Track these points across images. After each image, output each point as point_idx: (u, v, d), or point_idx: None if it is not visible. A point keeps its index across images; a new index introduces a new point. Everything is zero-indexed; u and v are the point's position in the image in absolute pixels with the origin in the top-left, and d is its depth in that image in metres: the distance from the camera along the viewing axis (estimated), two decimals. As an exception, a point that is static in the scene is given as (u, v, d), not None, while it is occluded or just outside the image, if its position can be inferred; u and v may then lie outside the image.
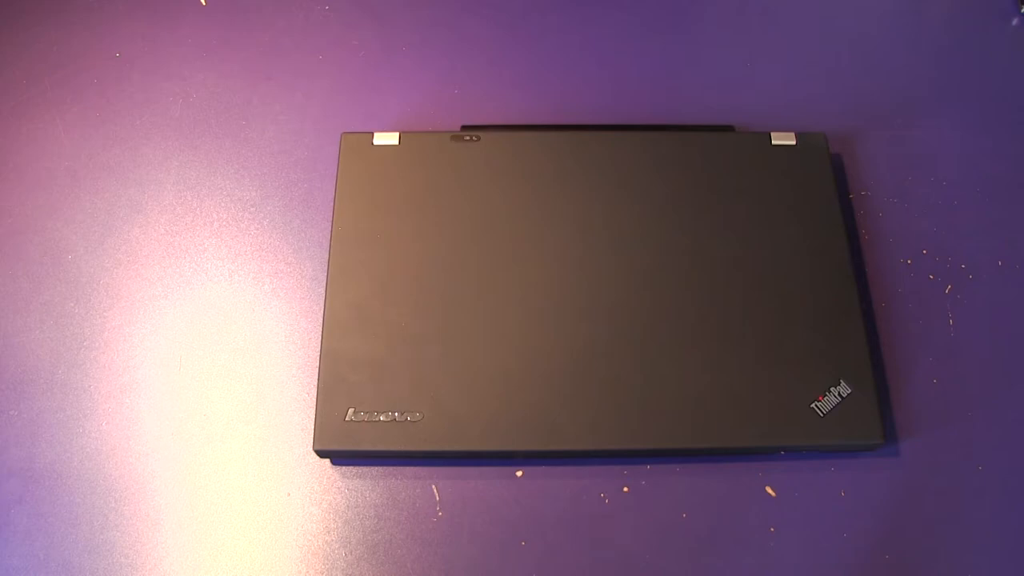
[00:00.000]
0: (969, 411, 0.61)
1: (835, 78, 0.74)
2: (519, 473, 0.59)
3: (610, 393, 0.58)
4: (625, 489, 0.58)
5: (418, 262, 0.62)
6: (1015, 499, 0.58)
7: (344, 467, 0.59)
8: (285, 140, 0.71)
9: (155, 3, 0.77)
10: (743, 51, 0.76)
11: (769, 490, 0.59)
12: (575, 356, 0.59)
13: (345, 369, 0.58)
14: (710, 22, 0.77)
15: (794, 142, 0.66)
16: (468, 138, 0.66)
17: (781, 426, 0.57)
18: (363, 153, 0.65)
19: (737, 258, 0.62)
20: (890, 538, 0.57)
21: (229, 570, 0.56)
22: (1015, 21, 0.77)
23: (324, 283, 0.61)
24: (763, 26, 0.77)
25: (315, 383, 0.59)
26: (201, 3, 0.77)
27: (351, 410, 0.57)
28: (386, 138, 0.66)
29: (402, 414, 0.57)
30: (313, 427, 0.57)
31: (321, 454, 0.58)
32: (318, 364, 0.59)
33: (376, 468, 0.59)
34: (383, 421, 0.57)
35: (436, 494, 0.58)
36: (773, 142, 0.66)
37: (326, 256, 0.64)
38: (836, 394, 0.58)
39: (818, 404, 0.57)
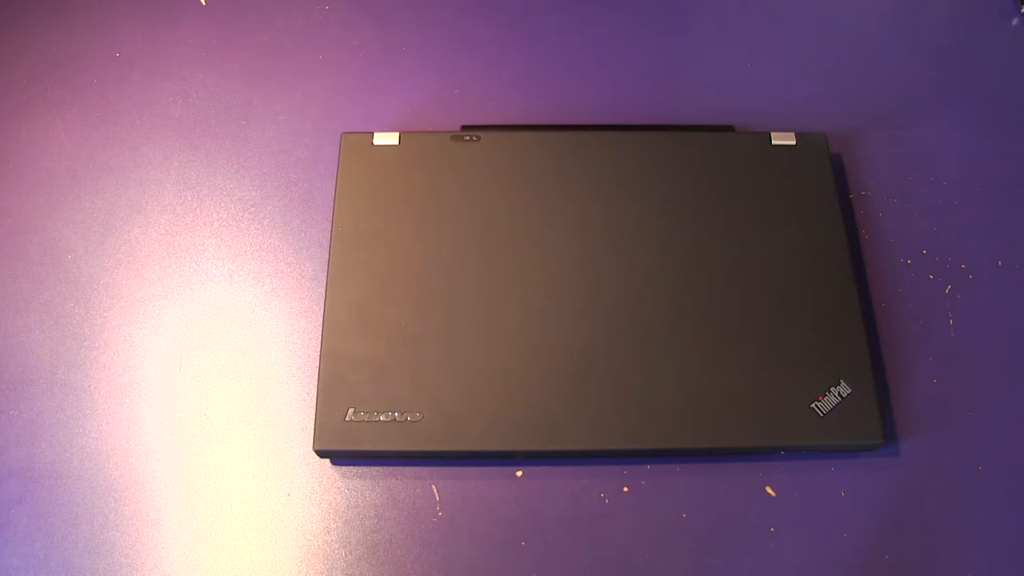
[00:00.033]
0: (969, 411, 0.61)
1: (835, 78, 0.74)
2: (519, 473, 0.59)
3: (610, 393, 0.58)
4: (625, 489, 0.58)
5: (418, 262, 0.62)
6: (1015, 499, 0.58)
7: (344, 467, 0.59)
8: (285, 140, 0.71)
9: (155, 3, 0.77)
10: (743, 51, 0.76)
11: (769, 490, 0.59)
12: (575, 356, 0.59)
13: (345, 369, 0.58)
14: (710, 22, 0.77)
15: (794, 142, 0.66)
16: (468, 138, 0.66)
17: (781, 426, 0.57)
18: (363, 153, 0.65)
19: (737, 258, 0.62)
20: (890, 538, 0.57)
21: (229, 570, 0.56)
22: (1015, 21, 0.77)
23: (324, 283, 0.61)
24: (763, 26, 0.77)
25: (315, 383, 0.59)
26: (201, 3, 0.77)
27: (351, 410, 0.57)
28: (386, 138, 0.66)
29: (402, 414, 0.57)
30: (313, 427, 0.57)
31: (321, 454, 0.58)
32: (318, 364, 0.59)
33: (376, 468, 0.59)
34: (383, 421, 0.57)
35: (436, 494, 0.58)
36: (773, 142, 0.66)
37: (326, 256, 0.64)
38: (836, 394, 0.58)
39: (818, 404, 0.57)
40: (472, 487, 0.58)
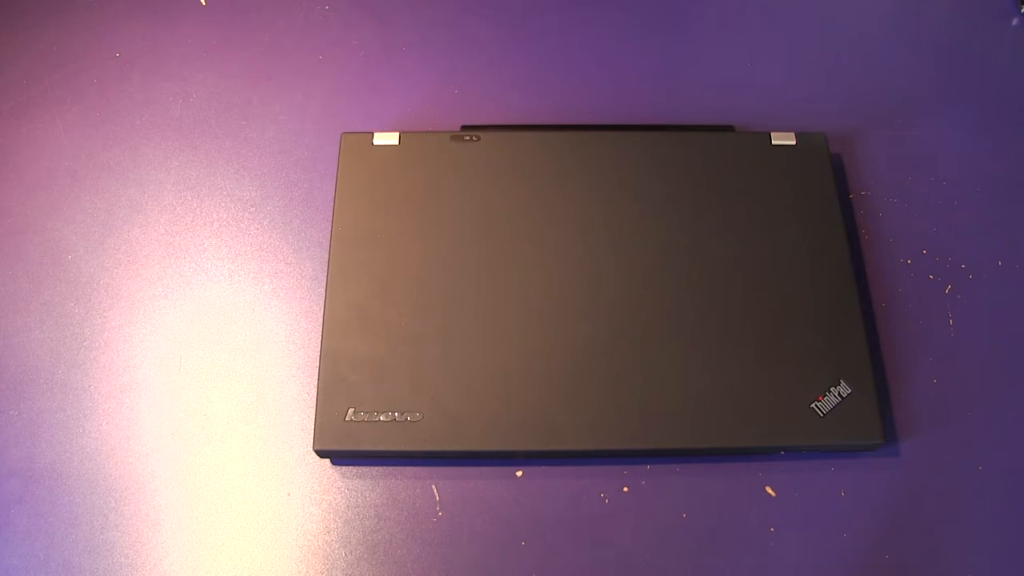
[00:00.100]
0: (969, 411, 0.61)
1: (835, 78, 0.74)
2: (519, 473, 0.59)
3: (610, 393, 0.58)
4: (625, 489, 0.58)
5: (418, 262, 0.62)
6: (1015, 499, 0.58)
7: (344, 467, 0.59)
8: (285, 140, 0.71)
9: (155, 3, 0.77)
10: (743, 51, 0.76)
11: (769, 490, 0.59)
12: (575, 356, 0.59)
13: (345, 369, 0.58)
14: (710, 22, 0.77)
15: (794, 142, 0.66)
16: (468, 138, 0.66)
17: (781, 426, 0.57)
18: (363, 153, 0.65)
19: (737, 258, 0.62)
20: (890, 538, 0.57)
21: (229, 570, 0.56)
22: (1015, 21, 0.77)
23: (324, 283, 0.61)
24: (763, 26, 0.77)
25: (315, 383, 0.59)
26: (201, 3, 0.77)
27: (351, 410, 0.57)
28: (386, 138, 0.66)
29: (402, 414, 0.57)
30: (313, 427, 0.57)
31: (321, 454, 0.58)
32: (318, 364, 0.59)
33: (376, 468, 0.59)
34: (383, 421, 0.57)
35: (436, 494, 0.58)
36: (773, 142, 0.66)
37: (326, 256, 0.64)
38: (836, 394, 0.58)
39: (818, 404, 0.57)
40: (472, 487, 0.58)
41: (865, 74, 0.74)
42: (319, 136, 0.71)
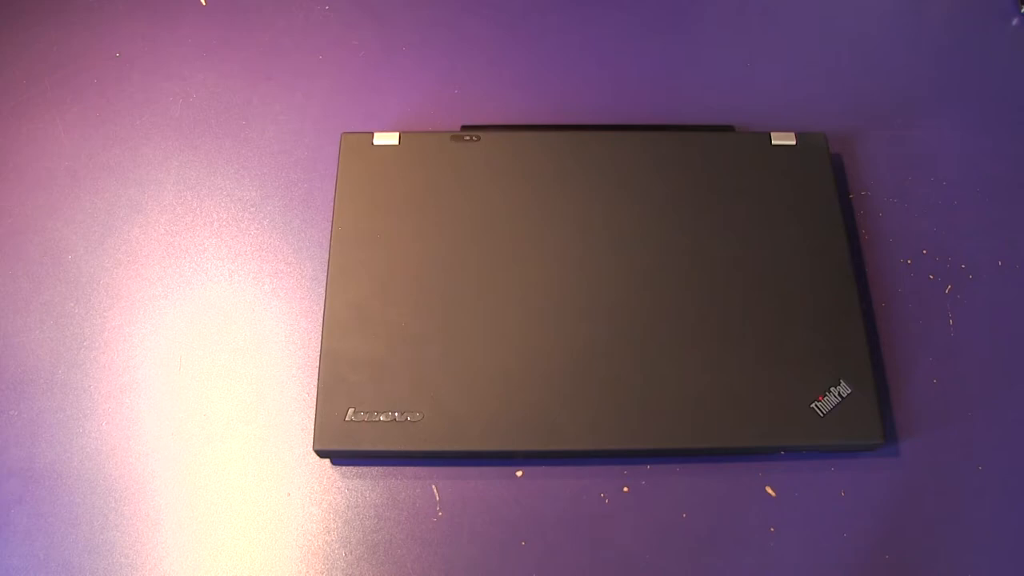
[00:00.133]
0: (969, 411, 0.61)
1: (835, 78, 0.74)
2: (519, 473, 0.59)
3: (610, 393, 0.58)
4: (625, 489, 0.58)
5: (418, 262, 0.62)
6: (1015, 499, 0.58)
7: (344, 467, 0.59)
8: (285, 140, 0.71)
9: (155, 3, 0.77)
10: (743, 51, 0.76)
11: (769, 490, 0.59)
12: (575, 356, 0.59)
13: (345, 369, 0.58)
14: (710, 22, 0.77)
15: (794, 142, 0.66)
16: (468, 138, 0.66)
17: (781, 426, 0.57)
18: (363, 153, 0.65)
19: (737, 258, 0.62)
20: (890, 538, 0.57)
21: (229, 570, 0.56)
22: (1015, 21, 0.77)
23: (324, 283, 0.61)
24: (763, 26, 0.77)
25: (315, 383, 0.59)
26: (201, 3, 0.77)
27: (351, 410, 0.57)
28: (386, 138, 0.66)
29: (402, 414, 0.57)
30: (313, 427, 0.57)
31: (321, 454, 0.58)
32: (318, 364, 0.59)
33: (376, 468, 0.59)
34: (383, 421, 0.57)
35: (436, 494, 0.58)
36: (773, 142, 0.66)
37: (326, 256, 0.64)
38: (836, 394, 0.58)
39: (818, 404, 0.57)
40: (472, 487, 0.58)
41: (865, 74, 0.74)
42: (319, 136, 0.71)
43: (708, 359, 0.59)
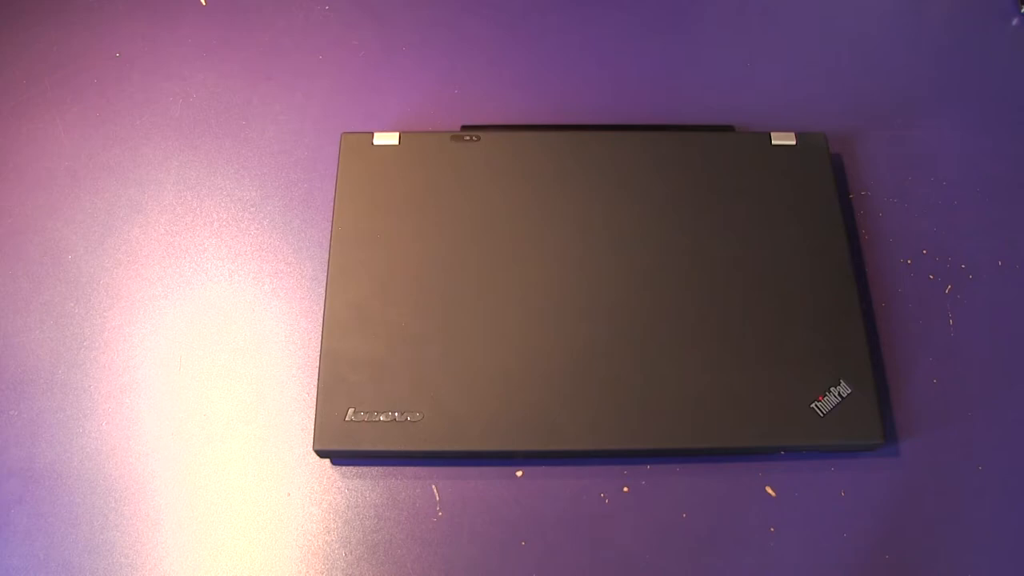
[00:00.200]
0: (969, 411, 0.61)
1: (835, 78, 0.74)
2: (519, 473, 0.59)
3: (610, 393, 0.58)
4: (625, 489, 0.58)
5: (418, 262, 0.62)
6: (1015, 499, 0.58)
7: (344, 467, 0.59)
8: (285, 140, 0.71)
9: (155, 3, 0.77)
10: (743, 51, 0.76)
11: (769, 490, 0.59)
12: (575, 356, 0.59)
13: (345, 369, 0.58)
14: (710, 22, 0.77)
15: (794, 142, 0.66)
16: (468, 138, 0.66)
17: (781, 426, 0.57)
18: (363, 153, 0.65)
19: (737, 258, 0.62)
20: (890, 538, 0.57)
21: (229, 570, 0.56)
22: (1015, 21, 0.77)
23: (324, 283, 0.61)
24: (763, 26, 0.77)
25: (315, 383, 0.59)
26: (201, 3, 0.77)
27: (351, 410, 0.57)
28: (386, 138, 0.66)
29: (402, 414, 0.57)
30: (313, 427, 0.57)
31: (321, 454, 0.58)
32: (318, 364, 0.59)
33: (376, 468, 0.59)
34: (383, 421, 0.57)
35: (436, 494, 0.58)
36: (773, 142, 0.66)
37: (326, 256, 0.64)
38: (836, 394, 0.58)
39: (818, 404, 0.57)
40: (472, 487, 0.58)
41: (865, 74, 0.74)
42: (319, 136, 0.71)
43: (708, 359, 0.59)
